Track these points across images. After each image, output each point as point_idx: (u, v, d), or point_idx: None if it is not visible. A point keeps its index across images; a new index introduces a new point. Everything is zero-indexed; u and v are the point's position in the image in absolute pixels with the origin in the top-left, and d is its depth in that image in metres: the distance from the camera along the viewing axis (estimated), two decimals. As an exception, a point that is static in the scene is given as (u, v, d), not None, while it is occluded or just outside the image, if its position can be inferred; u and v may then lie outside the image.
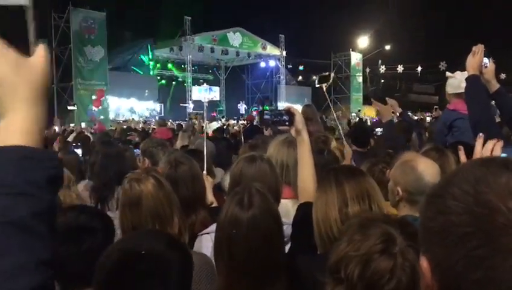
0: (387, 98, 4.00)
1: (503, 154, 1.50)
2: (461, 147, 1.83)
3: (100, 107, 20.49)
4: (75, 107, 18.53)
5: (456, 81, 4.05)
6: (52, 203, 0.72)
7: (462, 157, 1.79)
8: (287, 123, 2.08)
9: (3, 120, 0.73)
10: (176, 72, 29.43)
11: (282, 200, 2.22)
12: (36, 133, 0.74)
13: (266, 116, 2.14)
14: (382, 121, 3.79)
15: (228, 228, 1.53)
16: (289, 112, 2.08)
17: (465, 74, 4.00)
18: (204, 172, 2.81)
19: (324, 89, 4.14)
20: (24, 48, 0.74)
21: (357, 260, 1.09)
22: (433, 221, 0.67)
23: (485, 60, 2.99)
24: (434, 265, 0.67)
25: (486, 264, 0.59)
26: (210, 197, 2.68)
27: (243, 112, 26.09)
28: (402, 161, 2.21)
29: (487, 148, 1.59)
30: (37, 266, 0.66)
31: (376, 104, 3.76)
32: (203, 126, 7.68)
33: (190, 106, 25.32)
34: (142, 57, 26.50)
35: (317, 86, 4.83)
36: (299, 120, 2.06)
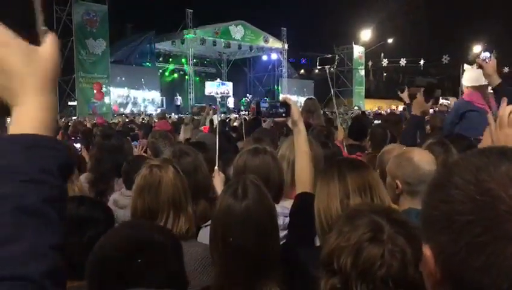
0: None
1: None
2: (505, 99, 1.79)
3: (101, 100, 20.54)
4: (75, 103, 18.54)
5: (474, 74, 3.99)
6: (63, 191, 0.74)
7: (491, 121, 1.73)
8: (283, 115, 2.08)
9: (15, 110, 0.74)
10: (177, 65, 29.40)
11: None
12: (48, 122, 0.75)
13: (263, 108, 2.14)
14: (411, 111, 3.65)
15: (222, 218, 1.55)
16: (285, 103, 2.08)
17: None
18: (216, 167, 2.81)
19: (327, 71, 4.08)
20: (33, 38, 0.75)
21: (348, 250, 1.11)
22: (436, 210, 0.69)
23: (487, 54, 3.02)
24: (437, 253, 0.68)
25: (489, 251, 0.61)
26: (219, 191, 2.68)
27: (232, 106, 26.11)
28: (396, 155, 2.22)
29: (508, 107, 1.65)
30: (48, 250, 0.67)
31: (420, 93, 3.61)
32: (207, 119, 7.67)
33: (178, 99, 25.38)
34: (144, 50, 26.44)
35: (318, 67, 4.80)
36: (295, 111, 2.06)
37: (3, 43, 0.72)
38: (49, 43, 0.77)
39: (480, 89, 3.97)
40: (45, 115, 0.75)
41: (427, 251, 0.71)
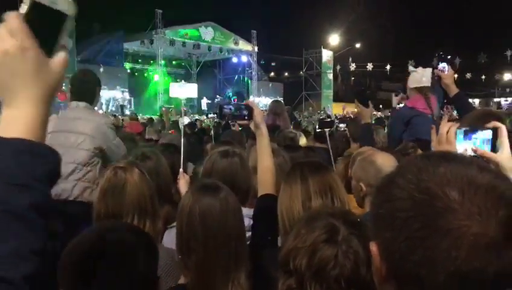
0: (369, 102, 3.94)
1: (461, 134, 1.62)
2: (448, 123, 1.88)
3: (64, 100, 19.96)
4: None
5: (418, 76, 4.09)
6: (49, 197, 0.76)
7: (433, 136, 1.81)
8: (246, 117, 2.12)
9: (7, 111, 0.76)
10: (146, 66, 29.00)
11: None
12: (41, 129, 0.78)
13: (226, 110, 2.17)
14: (361, 122, 3.78)
15: (186, 218, 1.56)
16: (248, 107, 2.11)
17: (428, 70, 4.09)
18: (181, 169, 2.81)
19: (327, 134, 4.13)
20: (49, 51, 0.79)
21: (304, 251, 1.14)
22: (381, 208, 0.74)
23: (444, 65, 3.10)
24: (382, 249, 0.74)
25: (425, 245, 0.66)
26: (184, 193, 2.68)
27: (204, 108, 26.04)
28: (360, 158, 2.29)
29: (447, 124, 1.71)
30: (31, 255, 0.69)
31: (358, 106, 3.73)
32: (173, 121, 7.56)
33: (126, 99, 24.67)
34: (112, 49, 25.92)
35: (318, 130, 4.90)
36: (257, 114, 2.09)
37: (24, 48, 0.75)
38: (60, 59, 0.81)
39: (422, 90, 4.09)
40: (39, 122, 0.78)
41: (374, 248, 0.75)
